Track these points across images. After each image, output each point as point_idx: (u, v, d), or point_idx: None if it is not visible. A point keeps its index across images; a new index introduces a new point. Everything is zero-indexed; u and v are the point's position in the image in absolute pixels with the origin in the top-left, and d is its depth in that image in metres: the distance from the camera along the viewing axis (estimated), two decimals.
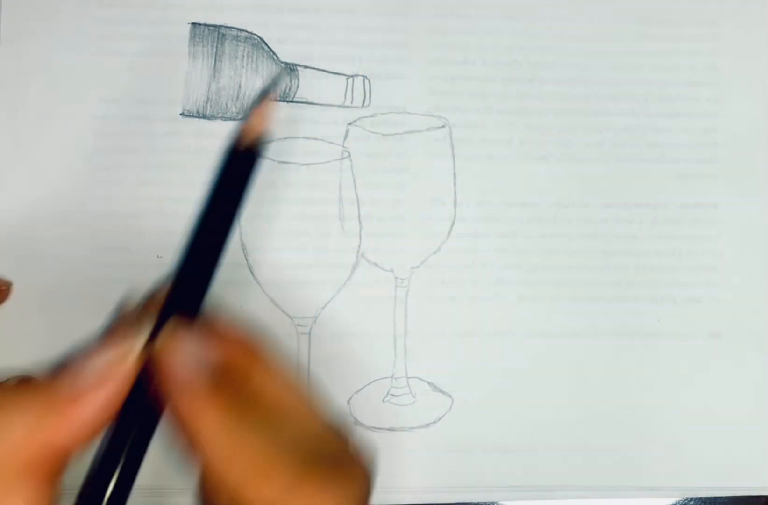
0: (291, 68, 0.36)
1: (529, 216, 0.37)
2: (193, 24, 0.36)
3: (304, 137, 0.36)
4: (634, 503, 0.36)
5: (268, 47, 0.36)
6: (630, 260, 0.37)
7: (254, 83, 0.36)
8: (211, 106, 0.36)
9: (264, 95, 0.26)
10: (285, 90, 0.36)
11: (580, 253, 0.37)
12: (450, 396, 0.36)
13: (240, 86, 0.36)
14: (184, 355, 0.23)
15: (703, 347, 0.37)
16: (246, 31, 0.36)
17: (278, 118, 0.36)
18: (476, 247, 0.36)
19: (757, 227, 0.37)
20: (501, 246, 0.36)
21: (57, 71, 0.36)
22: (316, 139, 0.36)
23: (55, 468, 0.22)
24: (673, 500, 0.36)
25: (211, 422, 0.22)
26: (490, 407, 0.36)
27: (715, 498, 0.36)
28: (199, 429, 0.22)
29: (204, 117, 0.36)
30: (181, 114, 0.36)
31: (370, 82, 0.37)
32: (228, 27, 0.36)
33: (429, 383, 0.36)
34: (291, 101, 0.36)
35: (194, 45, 0.36)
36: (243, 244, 0.35)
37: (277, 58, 0.36)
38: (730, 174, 0.37)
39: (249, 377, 0.24)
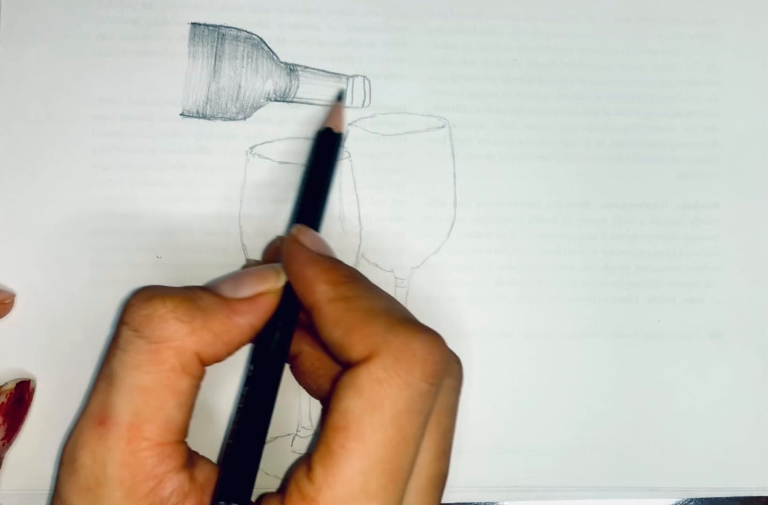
0: (291, 68, 0.36)
1: (529, 216, 0.37)
2: (193, 24, 0.36)
3: (304, 137, 0.36)
4: (634, 504, 0.36)
5: (268, 47, 0.36)
6: (630, 259, 0.37)
7: (254, 83, 0.36)
8: (210, 106, 0.36)
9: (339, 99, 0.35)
10: (285, 90, 0.36)
11: (580, 253, 0.37)
12: None
13: (240, 86, 0.36)
14: (306, 239, 0.30)
15: (703, 347, 0.37)
16: (246, 31, 0.36)
17: (279, 119, 0.36)
18: (476, 247, 0.36)
19: (758, 227, 0.37)
20: (501, 246, 0.36)
21: (57, 71, 0.36)
22: None
23: (200, 373, 0.28)
24: (674, 500, 0.36)
25: (322, 291, 0.28)
26: (490, 407, 0.36)
27: (715, 499, 0.36)
28: (314, 298, 0.28)
29: (204, 117, 0.36)
30: (180, 114, 0.36)
31: (370, 82, 0.37)
32: (228, 27, 0.36)
33: None
34: (291, 101, 0.36)
35: (194, 45, 0.36)
36: (243, 245, 0.35)
37: (277, 58, 0.36)
38: (730, 174, 0.37)
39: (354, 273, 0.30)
